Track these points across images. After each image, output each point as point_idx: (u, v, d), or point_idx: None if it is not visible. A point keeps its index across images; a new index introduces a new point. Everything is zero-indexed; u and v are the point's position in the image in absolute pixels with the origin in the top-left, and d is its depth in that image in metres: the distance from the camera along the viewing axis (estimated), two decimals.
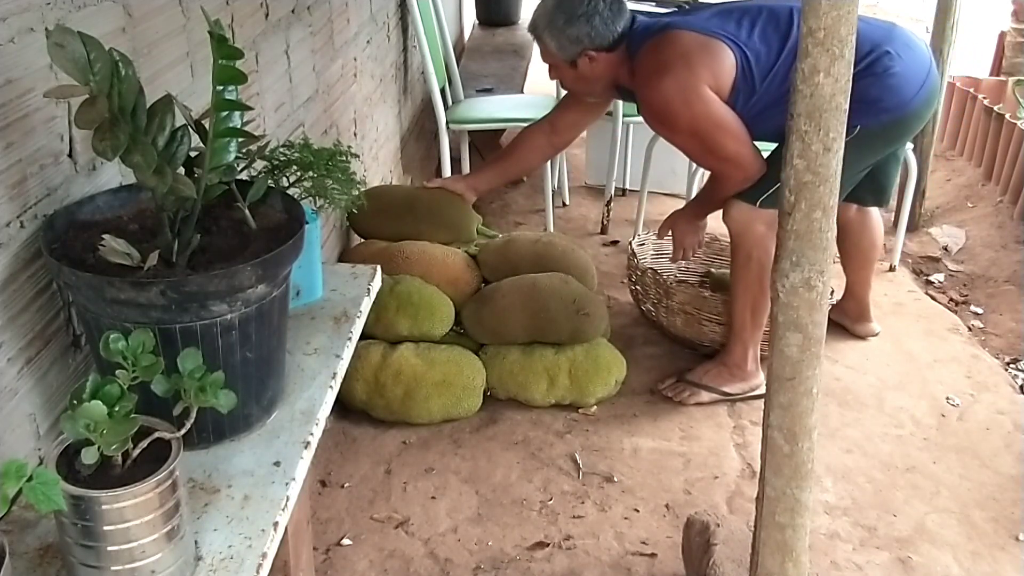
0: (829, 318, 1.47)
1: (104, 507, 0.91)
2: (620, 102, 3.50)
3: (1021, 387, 2.76)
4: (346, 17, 2.68)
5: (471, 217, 2.91)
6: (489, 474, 2.34)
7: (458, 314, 2.61)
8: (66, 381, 1.22)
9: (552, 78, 2.69)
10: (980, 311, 3.24)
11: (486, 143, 4.09)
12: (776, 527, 1.53)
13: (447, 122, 3.47)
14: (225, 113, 1.14)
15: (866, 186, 2.59)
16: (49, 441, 1.18)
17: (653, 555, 2.08)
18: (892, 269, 3.44)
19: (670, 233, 2.74)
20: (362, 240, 2.86)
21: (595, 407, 2.59)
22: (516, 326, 2.55)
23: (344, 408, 2.50)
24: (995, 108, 4.06)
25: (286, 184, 1.41)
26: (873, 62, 2.32)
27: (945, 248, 3.66)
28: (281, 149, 1.42)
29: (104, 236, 1.10)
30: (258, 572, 1.01)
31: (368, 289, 1.61)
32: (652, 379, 2.73)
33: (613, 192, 3.82)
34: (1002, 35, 4.89)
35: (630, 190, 4.08)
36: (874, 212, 2.85)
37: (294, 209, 1.25)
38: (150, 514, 0.93)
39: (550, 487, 2.30)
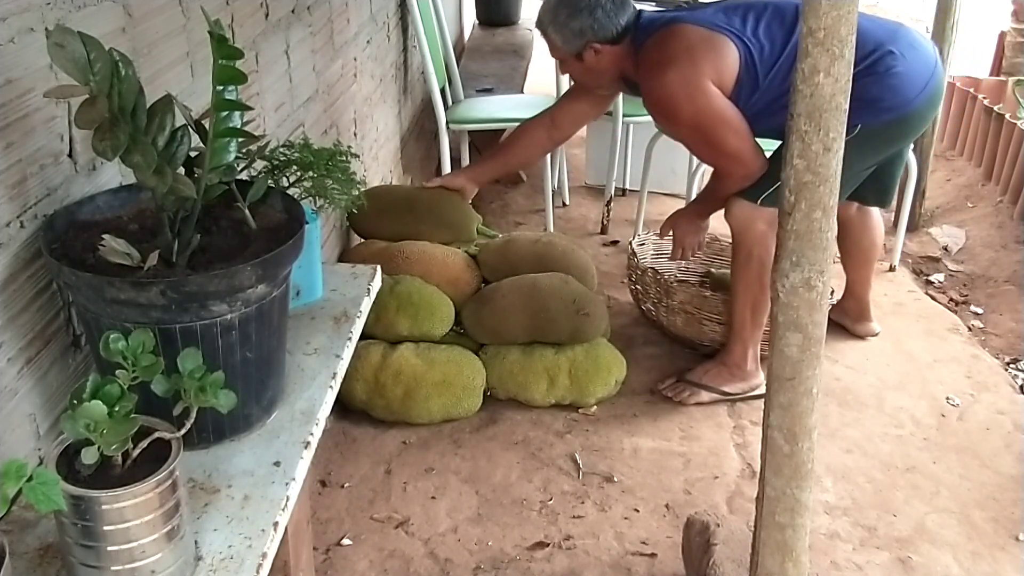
0: (829, 318, 1.47)
1: (104, 507, 0.91)
2: (620, 102, 3.50)
3: (1021, 387, 2.76)
4: (346, 17, 2.68)
5: (471, 217, 2.91)
6: (489, 474, 2.34)
7: (458, 314, 2.61)
8: (66, 381, 1.22)
9: (563, 72, 2.74)
10: (980, 311, 3.24)
11: (486, 143, 4.08)
12: (776, 527, 1.53)
13: (447, 122, 3.47)
14: (225, 113, 1.14)
15: (869, 186, 2.59)
16: (49, 441, 1.18)
17: (653, 555, 2.08)
18: (892, 269, 3.44)
19: (671, 233, 2.74)
20: (362, 240, 2.86)
21: (595, 407, 2.59)
22: (516, 326, 2.55)
23: (344, 408, 2.50)
24: (995, 108, 4.06)
25: (286, 184, 1.41)
26: (876, 61, 2.33)
27: (945, 248, 3.66)
28: (281, 149, 1.42)
29: (104, 236, 1.10)
30: (258, 572, 1.01)
31: (368, 289, 1.61)
32: (652, 379, 2.73)
33: (613, 192, 3.82)
34: (1002, 35, 4.89)
35: (630, 190, 4.08)
36: (875, 211, 2.85)
37: (294, 209, 1.25)
38: (150, 514, 0.93)
39: (550, 487, 2.30)
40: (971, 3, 3.87)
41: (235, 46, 1.09)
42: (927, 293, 3.33)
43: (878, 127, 2.35)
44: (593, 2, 2.43)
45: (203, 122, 1.17)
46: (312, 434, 1.23)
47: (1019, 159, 3.75)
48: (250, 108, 1.25)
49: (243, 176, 1.28)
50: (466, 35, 5.65)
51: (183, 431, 0.99)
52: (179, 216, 1.16)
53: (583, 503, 2.25)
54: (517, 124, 3.43)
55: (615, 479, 2.33)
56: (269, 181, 1.30)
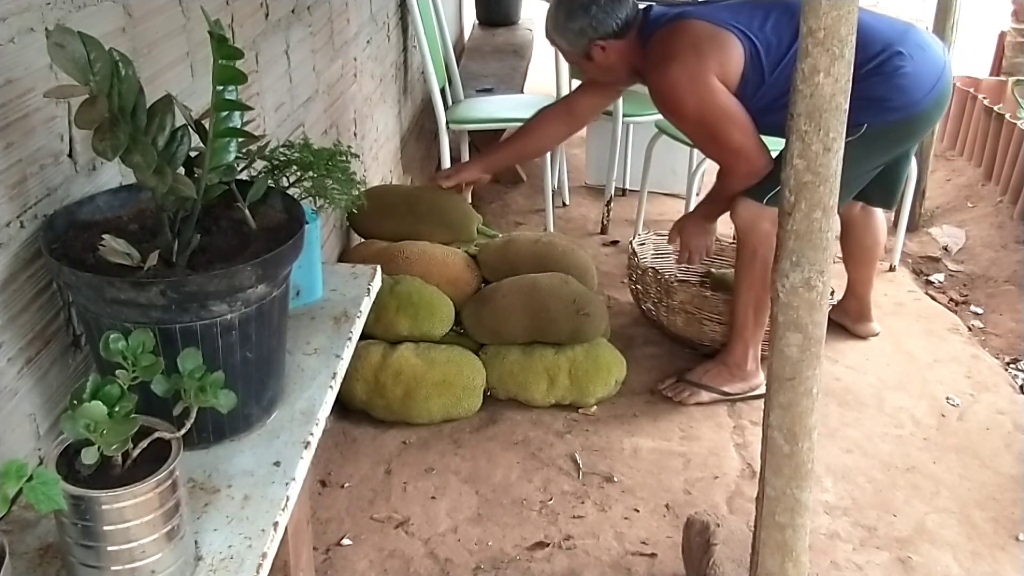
0: (829, 318, 1.47)
1: (104, 507, 0.91)
2: (620, 102, 3.50)
3: (1021, 387, 2.76)
4: (346, 17, 2.68)
5: (471, 217, 2.91)
6: (489, 474, 2.34)
7: (458, 314, 2.61)
8: (66, 381, 1.22)
9: (586, 75, 2.79)
10: (980, 311, 3.23)
11: (486, 143, 4.08)
12: (776, 527, 1.53)
13: (447, 122, 3.47)
14: (225, 113, 1.14)
15: (875, 186, 2.59)
16: (49, 441, 1.18)
17: (653, 555, 2.08)
18: (892, 269, 3.44)
19: (679, 238, 2.74)
20: (362, 240, 2.86)
21: (595, 407, 2.59)
22: (516, 326, 2.55)
23: (344, 408, 2.50)
24: (995, 108, 4.06)
25: (286, 184, 1.41)
26: (884, 61, 2.33)
27: (945, 248, 3.66)
28: (281, 149, 1.42)
29: (104, 236, 1.10)
30: (258, 572, 1.01)
31: (368, 289, 1.61)
32: (652, 379, 2.73)
33: (613, 192, 3.82)
34: (1002, 35, 4.89)
35: (630, 190, 4.08)
36: (878, 211, 2.85)
37: (294, 209, 1.25)
38: (150, 514, 0.93)
39: (550, 487, 2.30)
40: (971, 3, 3.87)
41: (235, 46, 1.09)
42: (927, 293, 3.33)
43: (884, 127, 2.35)
44: (587, 1, 2.45)
45: (203, 122, 1.17)
46: (312, 434, 1.23)
47: (1019, 159, 3.75)
48: (250, 108, 1.25)
49: (243, 176, 1.28)
50: (466, 35, 5.65)
51: (183, 431, 0.99)
52: (179, 216, 1.16)
53: (583, 503, 2.25)
54: (517, 124, 3.45)
55: (615, 479, 2.33)
56: (269, 181, 1.30)
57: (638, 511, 2.22)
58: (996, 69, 4.88)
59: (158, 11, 1.45)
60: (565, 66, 3.67)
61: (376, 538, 2.13)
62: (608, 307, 2.87)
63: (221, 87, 1.11)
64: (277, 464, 1.17)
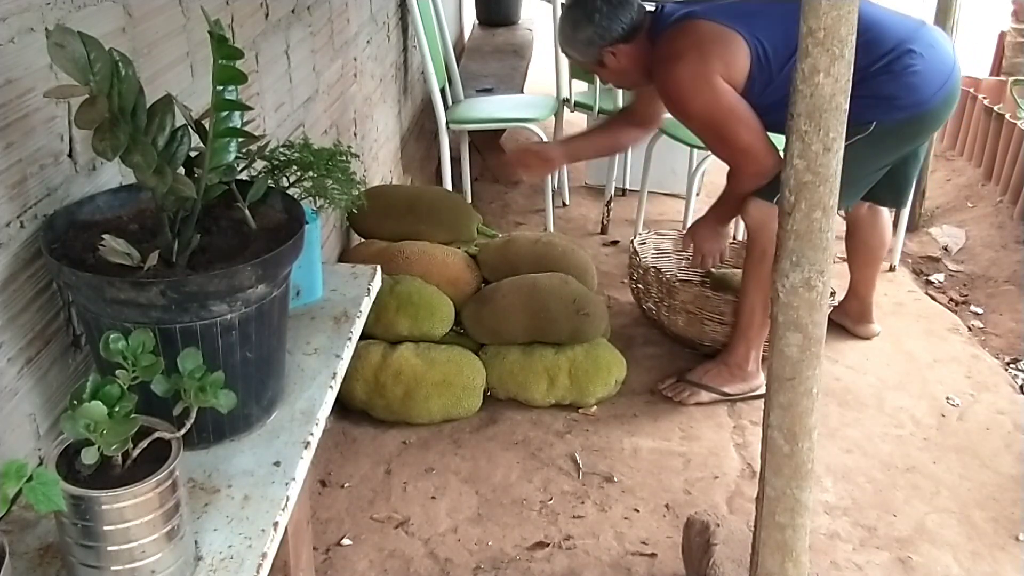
0: (830, 319, 1.47)
1: (104, 507, 0.91)
2: (620, 102, 3.51)
3: (1021, 387, 2.76)
4: (346, 17, 2.68)
5: (471, 217, 2.91)
6: (489, 474, 2.34)
7: (458, 314, 2.61)
8: (66, 381, 1.22)
9: (603, 82, 2.87)
10: (980, 311, 3.23)
11: (486, 143, 4.09)
12: (776, 527, 1.53)
13: (447, 122, 3.47)
14: (225, 113, 1.14)
15: (884, 185, 2.59)
16: (49, 441, 1.18)
17: (653, 555, 2.08)
18: (892, 269, 3.44)
19: (692, 243, 2.74)
20: (362, 240, 2.86)
21: (595, 407, 2.59)
22: (516, 326, 2.55)
23: (344, 408, 2.50)
24: (995, 108, 4.06)
25: (286, 184, 1.40)
26: (894, 59, 2.33)
27: (945, 248, 3.66)
28: (281, 149, 1.42)
29: (104, 236, 1.10)
30: (258, 572, 1.01)
31: (368, 289, 1.61)
32: (652, 379, 2.73)
33: (613, 192, 3.82)
34: (1002, 35, 4.89)
35: (630, 190, 4.08)
36: (884, 211, 2.85)
37: (294, 209, 1.25)
38: (150, 514, 0.93)
39: (550, 487, 2.30)
40: (971, 3, 3.87)
41: (235, 46, 1.09)
42: (927, 293, 3.33)
43: (893, 125, 2.35)
44: (589, 10, 2.47)
45: (203, 122, 1.16)
46: (312, 434, 1.23)
47: (1019, 159, 3.75)
48: (250, 108, 1.25)
49: (243, 176, 1.28)
50: (466, 35, 5.65)
51: (183, 431, 0.99)
52: (179, 216, 1.16)
53: (583, 503, 2.25)
54: (517, 124, 3.51)
55: (615, 479, 2.33)
56: (269, 181, 1.30)
57: (638, 511, 2.22)
58: (996, 69, 4.88)
59: (158, 11, 1.45)
60: (565, 66, 3.67)
61: (376, 538, 2.13)
62: (608, 307, 2.87)
63: (221, 87, 1.11)
64: (277, 464, 1.17)
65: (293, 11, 2.15)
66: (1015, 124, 3.85)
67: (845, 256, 2.97)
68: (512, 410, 2.57)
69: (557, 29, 2.63)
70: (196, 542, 1.03)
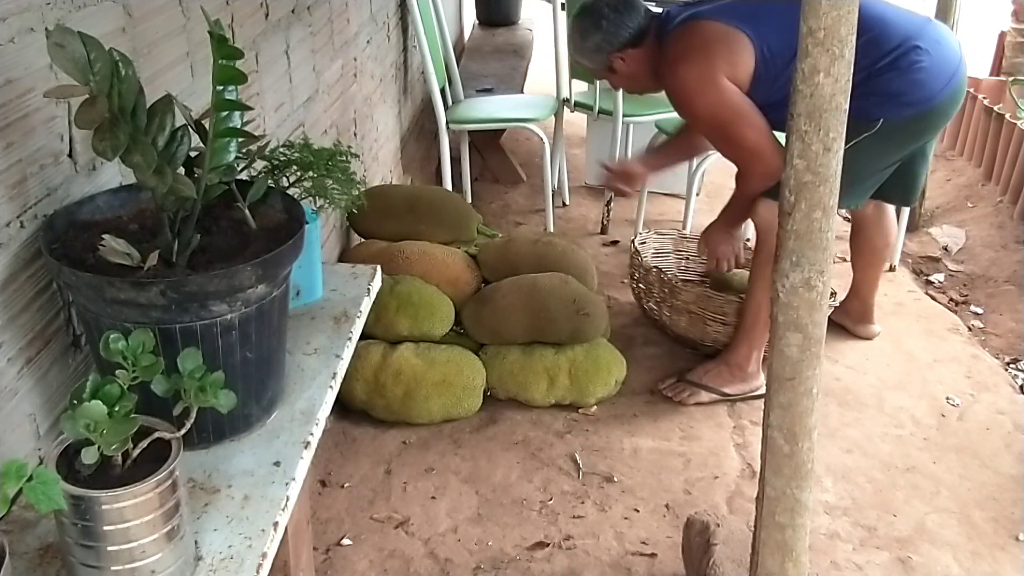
0: (830, 319, 1.47)
1: (104, 507, 0.91)
2: (620, 102, 3.51)
3: (1021, 387, 2.76)
4: (346, 17, 2.68)
5: (471, 217, 2.91)
6: (489, 474, 2.34)
7: (458, 314, 2.61)
8: (66, 381, 1.22)
9: (615, 87, 2.85)
10: (980, 311, 3.23)
11: (486, 143, 4.09)
12: (776, 527, 1.53)
13: (447, 122, 3.47)
14: (225, 113, 1.13)
15: (893, 184, 2.59)
16: (49, 441, 1.18)
17: (653, 555, 2.08)
18: (892, 269, 3.44)
19: (706, 248, 2.74)
20: (362, 240, 2.86)
21: (595, 407, 2.59)
22: (516, 326, 2.55)
23: (344, 408, 2.50)
24: (995, 108, 4.06)
25: (286, 184, 1.40)
26: (900, 56, 2.33)
27: (945, 248, 3.66)
28: (281, 149, 1.42)
29: (104, 236, 1.10)
30: (258, 572, 1.01)
31: (368, 289, 1.61)
32: (652, 379, 2.73)
33: (613, 192, 3.82)
34: (1002, 35, 4.89)
35: None
36: (890, 211, 2.85)
37: (294, 209, 1.25)
38: (150, 514, 0.93)
39: (550, 487, 2.30)
40: (971, 3, 3.87)
41: (235, 46, 1.09)
42: (927, 293, 3.33)
43: (900, 122, 2.35)
44: (595, 17, 2.49)
45: (203, 122, 1.16)
46: (312, 434, 1.23)
47: (1019, 159, 3.75)
48: (250, 108, 1.25)
49: (243, 176, 1.28)
50: (466, 35, 5.65)
51: (183, 431, 0.99)
52: (179, 216, 1.16)
53: (583, 503, 2.25)
54: (517, 124, 3.52)
55: (615, 479, 2.33)
56: (269, 181, 1.30)
57: (638, 511, 2.22)
58: (996, 69, 4.88)
59: (158, 11, 1.45)
60: (565, 66, 3.67)
61: (376, 538, 2.13)
62: (608, 307, 2.87)
63: (221, 87, 1.11)
64: (277, 464, 1.17)
65: (293, 11, 2.15)
66: (1015, 124, 3.85)
67: (847, 256, 2.96)
68: (512, 410, 2.57)
69: (568, 41, 2.65)
70: (196, 542, 1.03)
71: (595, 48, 2.53)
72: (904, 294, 3.30)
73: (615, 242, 3.68)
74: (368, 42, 3.00)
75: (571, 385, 2.54)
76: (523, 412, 2.57)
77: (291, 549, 1.50)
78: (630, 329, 2.99)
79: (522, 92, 4.36)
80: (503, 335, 2.58)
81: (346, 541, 2.11)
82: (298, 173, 1.41)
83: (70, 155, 1.22)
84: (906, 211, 3.49)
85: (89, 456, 0.91)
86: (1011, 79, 4.41)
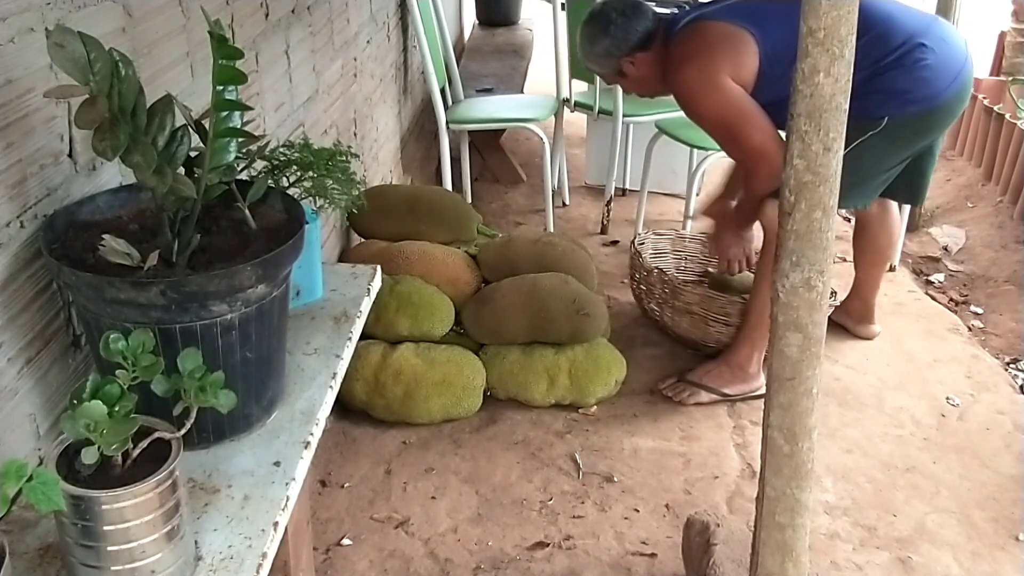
0: (830, 319, 1.47)
1: (104, 507, 0.91)
2: (620, 102, 3.51)
3: (1021, 387, 2.76)
4: (346, 17, 2.68)
5: (471, 217, 2.91)
6: (489, 474, 2.34)
7: (458, 314, 2.61)
8: (66, 381, 1.22)
9: (627, 92, 2.89)
10: (980, 311, 3.24)
11: (486, 143, 4.09)
12: (776, 527, 1.53)
13: (447, 122, 3.47)
14: (225, 113, 1.13)
15: (901, 182, 2.58)
16: (49, 441, 1.18)
17: (653, 555, 2.08)
18: (892, 269, 3.43)
19: (716, 250, 2.74)
20: (362, 240, 2.86)
21: (595, 407, 2.59)
22: (516, 326, 2.55)
23: (344, 408, 2.50)
24: (995, 108, 4.06)
25: (286, 184, 1.40)
26: (904, 54, 2.33)
27: (945, 248, 3.66)
28: (281, 149, 1.42)
29: (104, 236, 1.10)
30: (258, 572, 1.01)
31: (368, 289, 1.61)
32: (652, 379, 2.73)
33: (613, 192, 3.82)
34: (1002, 35, 4.89)
35: (630, 190, 4.08)
36: (894, 210, 2.85)
37: (294, 209, 1.25)
38: (150, 514, 0.93)
39: (550, 487, 2.30)
40: (971, 3, 3.87)
41: (235, 46, 1.09)
42: (927, 293, 3.33)
43: (905, 120, 2.35)
44: (604, 23, 2.50)
45: (203, 122, 1.16)
46: (312, 434, 1.23)
47: (1019, 159, 3.75)
48: (250, 108, 1.25)
49: (243, 176, 1.28)
50: (466, 35, 5.65)
51: (183, 431, 0.99)
52: (179, 216, 1.16)
53: (583, 503, 2.25)
54: (517, 124, 3.52)
55: (615, 479, 2.33)
56: (269, 181, 1.30)
57: (638, 511, 2.22)
58: (996, 69, 4.88)
59: (158, 11, 1.45)
60: (565, 66, 3.67)
61: (376, 538, 2.13)
62: (608, 307, 2.87)
63: (221, 87, 1.11)
64: (277, 464, 1.17)
65: (293, 11, 2.15)
66: (1015, 124, 3.85)
67: (848, 256, 2.96)
68: (512, 410, 2.57)
69: (578, 47, 2.66)
70: (196, 542, 1.03)
71: (605, 53, 2.54)
72: (904, 294, 3.29)
73: (615, 242, 3.68)
74: (368, 42, 3.00)
75: (571, 385, 2.54)
76: (523, 412, 2.57)
77: (291, 549, 1.50)
78: (630, 329, 2.99)
79: (522, 92, 4.36)
80: (503, 335, 2.58)
81: (346, 541, 2.11)
82: (298, 173, 1.41)
83: (70, 155, 1.22)
84: (906, 211, 3.49)
85: (89, 456, 0.91)
86: (1011, 79, 4.41)
